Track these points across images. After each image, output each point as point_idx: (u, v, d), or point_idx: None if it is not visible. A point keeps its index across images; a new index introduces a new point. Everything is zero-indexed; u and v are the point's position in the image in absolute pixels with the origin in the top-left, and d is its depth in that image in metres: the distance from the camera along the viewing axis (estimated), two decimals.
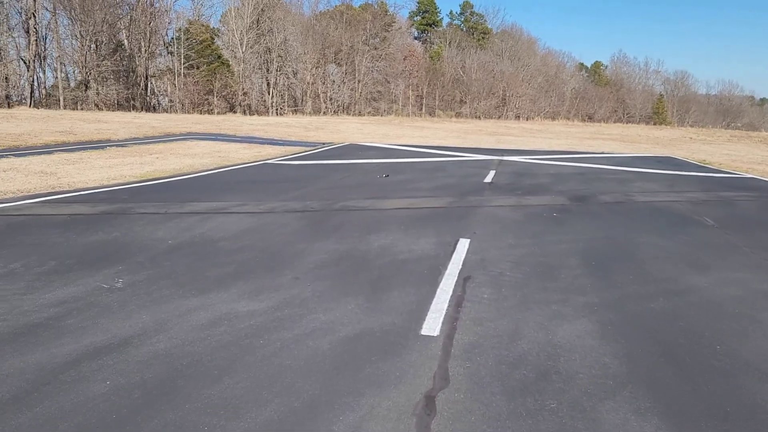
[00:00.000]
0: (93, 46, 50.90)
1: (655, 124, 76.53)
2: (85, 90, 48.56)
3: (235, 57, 54.76)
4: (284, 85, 61.82)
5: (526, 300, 5.38)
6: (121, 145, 19.16)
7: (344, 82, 61.50)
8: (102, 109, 49.21)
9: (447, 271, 6.17)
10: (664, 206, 10.52)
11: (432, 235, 7.72)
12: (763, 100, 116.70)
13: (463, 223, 8.51)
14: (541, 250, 7.16)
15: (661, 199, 11.26)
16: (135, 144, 19.83)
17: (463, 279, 5.95)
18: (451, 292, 5.52)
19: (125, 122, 28.38)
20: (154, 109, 53.74)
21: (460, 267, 6.33)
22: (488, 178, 13.99)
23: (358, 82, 61.89)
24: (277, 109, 58.47)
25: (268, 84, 59.71)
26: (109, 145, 18.95)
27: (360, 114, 58.84)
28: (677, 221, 9.23)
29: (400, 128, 35.24)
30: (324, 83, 60.96)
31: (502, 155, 20.40)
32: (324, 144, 23.20)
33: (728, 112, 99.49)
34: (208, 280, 5.65)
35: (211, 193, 10.55)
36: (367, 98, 63.76)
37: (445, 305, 5.19)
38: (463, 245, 7.22)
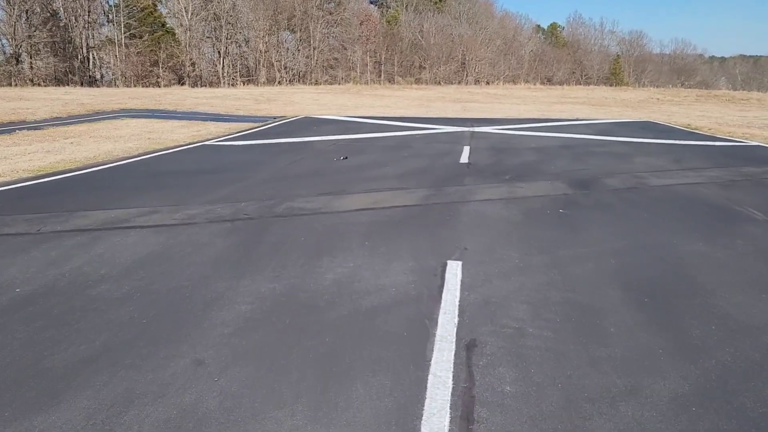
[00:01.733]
0: (24, 15, 46.33)
1: (612, 85, 75.33)
2: (17, 64, 44.21)
3: (181, 25, 50.77)
4: (236, 54, 58.07)
5: (575, 394, 3.21)
6: (36, 128, 16.24)
7: (299, 50, 58.10)
8: (41, 85, 45.02)
9: (438, 332, 3.95)
10: (689, 192, 8.46)
11: (408, 255, 5.47)
12: (712, 57, 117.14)
13: (447, 232, 6.28)
14: (562, 275, 4.99)
15: (679, 182, 9.22)
16: (53, 125, 16.90)
17: (465, 347, 3.75)
18: (451, 385, 3.31)
19: (52, 99, 25.09)
20: (96, 83, 49.64)
21: (456, 320, 4.12)
22: (464, 157, 11.75)
23: (314, 49, 58.56)
24: (229, 80, 54.89)
25: (219, 54, 55.92)
26: (20, 128, 16.02)
27: (317, 83, 55.74)
28: (717, 215, 7.18)
29: (358, 97, 32.63)
30: (278, 51, 57.44)
31: (473, 126, 18.18)
32: (275, 118, 20.58)
33: (682, 70, 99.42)
34: (39, 384, 3.29)
35: (116, 195, 8.03)
36: (323, 66, 60.55)
37: (446, 420, 2.98)
38: (454, 273, 5.00)
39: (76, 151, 12.30)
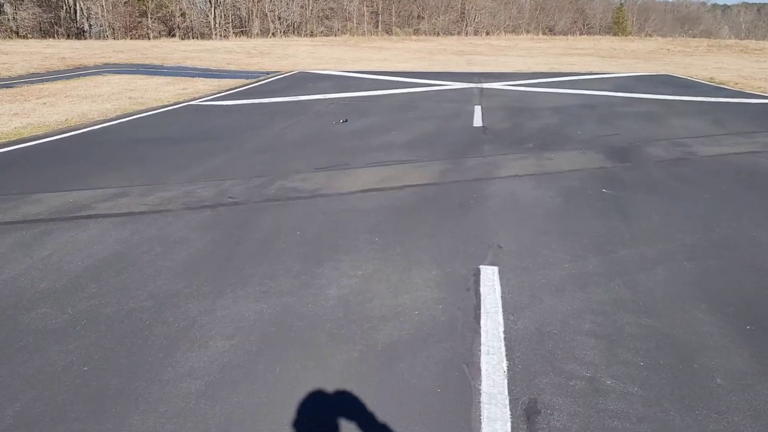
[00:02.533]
0: None
1: (615, 34, 72.88)
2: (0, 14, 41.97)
3: None
4: (229, 3, 55.51)
5: None
6: (8, 85, 14.83)
7: None
8: (26, 37, 42.87)
9: (483, 387, 2.87)
10: (749, 164, 7.29)
11: (430, 258, 4.35)
12: (714, 5, 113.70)
13: (473, 222, 5.14)
14: (630, 289, 3.89)
15: (733, 150, 8.03)
16: (28, 83, 15.47)
17: (525, 415, 2.67)
18: None
19: (31, 53, 23.46)
20: (84, 35, 47.40)
21: (504, 366, 3.04)
22: (477, 119, 10.50)
23: None
24: (221, 32, 52.56)
25: (211, 3, 53.39)
26: None
27: (312, 35, 53.45)
28: None
29: (356, 50, 30.90)
30: (271, 1, 54.87)
31: (480, 81, 16.78)
32: (268, 74, 19.11)
33: (686, 19, 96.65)
34: None
35: (82, 171, 6.84)
36: (318, 16, 58.06)
37: None
38: (491, 285, 3.90)
39: (47, 113, 10.99)
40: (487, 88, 15.22)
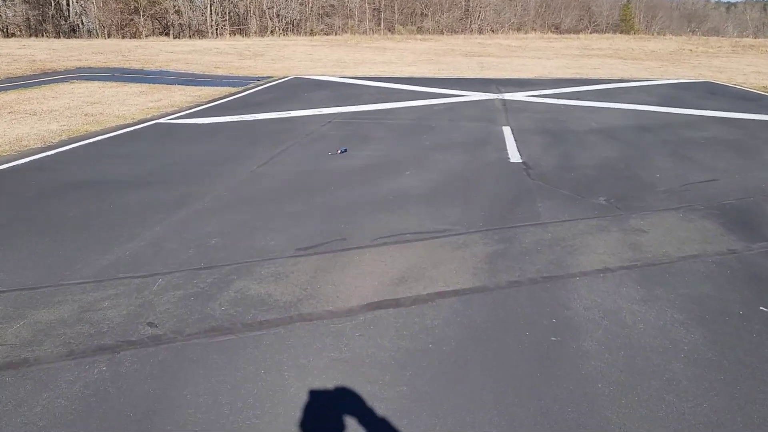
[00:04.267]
0: None
1: (623, 32, 70.34)
2: None
3: None
4: (227, 0, 53.02)
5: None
6: None
7: None
8: (15, 35, 40.53)
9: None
10: None
11: None
12: (718, 2, 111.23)
13: (571, 397, 2.78)
14: None
15: None
16: None
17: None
18: None
19: (0, 54, 21.07)
20: (75, 33, 44.98)
21: None
22: (512, 149, 8.14)
23: None
24: (218, 29, 50.13)
25: (208, 0, 50.90)
26: None
27: (312, 33, 50.99)
28: None
29: (358, 51, 28.47)
30: None
31: (500, 90, 14.40)
32: (259, 80, 16.74)
33: (693, 16, 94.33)
34: None
35: None
36: (318, 14, 55.59)
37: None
38: None
39: None
40: (510, 100, 12.83)
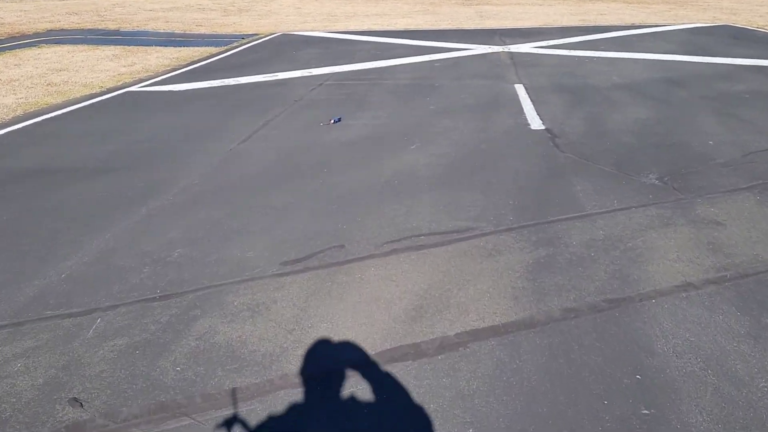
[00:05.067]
0: None
1: None
2: None
3: None
4: None
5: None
6: None
7: None
8: None
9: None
10: None
11: None
12: None
13: None
14: None
15: None
16: None
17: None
18: None
19: None
20: None
21: None
22: (530, 112, 6.99)
23: None
24: None
25: None
26: None
27: None
28: None
29: (349, 3, 26.66)
30: None
31: (505, 42, 13.05)
32: (243, 38, 15.30)
33: None
34: None
35: None
36: None
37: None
38: None
39: None
40: (517, 53, 11.53)
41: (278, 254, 3.66)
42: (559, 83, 8.63)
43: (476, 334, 2.80)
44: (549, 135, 6.01)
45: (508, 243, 3.68)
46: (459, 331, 2.82)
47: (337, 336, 2.82)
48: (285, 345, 2.77)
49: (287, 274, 3.41)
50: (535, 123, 6.48)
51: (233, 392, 2.46)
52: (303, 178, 5.04)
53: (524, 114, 6.91)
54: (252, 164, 5.48)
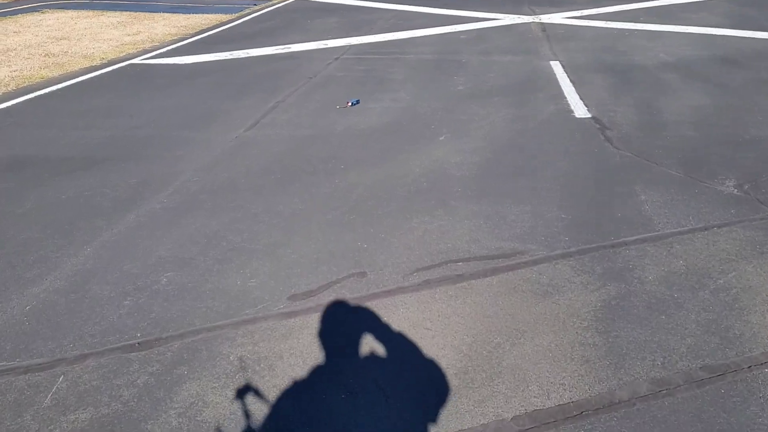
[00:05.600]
0: None
1: None
2: None
3: None
4: None
5: None
6: None
7: None
8: None
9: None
10: None
11: None
12: None
13: None
14: None
15: None
16: None
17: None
18: None
19: None
20: None
21: None
22: (572, 96, 6.18)
23: None
24: None
25: None
26: None
27: None
28: None
29: None
30: None
31: (534, 12, 12.02)
32: (256, 3, 14.38)
33: None
34: None
35: None
36: None
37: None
38: None
39: None
40: (549, 24, 10.57)
41: (286, 283, 2.98)
42: (599, 61, 7.75)
43: (540, 418, 2.11)
44: (597, 126, 5.22)
45: (568, 275, 2.97)
46: (518, 413, 2.14)
47: (358, 415, 2.16)
48: (291, 427, 2.11)
49: (296, 314, 2.74)
50: (580, 110, 5.68)
51: None
52: (315, 177, 4.34)
53: (565, 98, 6.10)
54: (258, 157, 4.78)
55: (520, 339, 2.53)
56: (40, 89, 7.08)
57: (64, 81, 7.48)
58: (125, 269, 3.17)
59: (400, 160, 4.59)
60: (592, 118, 5.44)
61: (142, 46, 9.69)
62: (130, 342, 2.59)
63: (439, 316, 2.70)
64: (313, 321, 2.69)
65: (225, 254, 3.29)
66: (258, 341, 2.57)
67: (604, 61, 7.67)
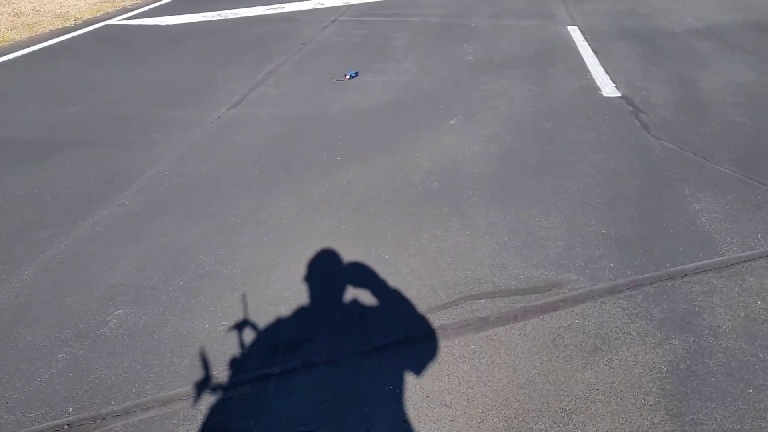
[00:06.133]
0: None
1: None
2: None
3: None
4: None
5: None
6: None
7: None
8: None
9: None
10: None
11: None
12: None
13: None
14: None
15: None
16: None
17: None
18: None
19: None
20: None
21: None
22: (598, 73, 5.42)
23: None
24: None
25: None
26: None
27: None
28: None
29: None
30: None
31: None
32: None
33: None
34: None
35: None
36: None
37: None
38: None
39: None
40: None
41: (266, 331, 2.32)
42: (621, 26, 6.91)
43: None
44: (630, 108, 4.47)
45: (619, 321, 2.31)
46: None
47: None
48: None
49: (276, 377, 2.09)
50: (607, 87, 4.91)
51: None
52: (308, 171, 3.63)
53: (589, 71, 5.33)
54: (242, 143, 4.06)
55: (568, 425, 1.88)
56: (2, 55, 6.26)
57: (32, 45, 6.65)
58: (66, 303, 2.51)
59: (405, 150, 3.87)
60: (623, 97, 4.69)
61: (122, 3, 8.78)
62: (57, 421, 1.94)
63: (459, 384, 2.05)
64: (298, 386, 2.04)
65: (193, 282, 2.62)
66: (227, 420, 1.93)
67: (626, 27, 6.83)
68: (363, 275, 2.64)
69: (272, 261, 2.75)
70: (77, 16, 7.97)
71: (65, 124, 4.45)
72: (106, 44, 6.73)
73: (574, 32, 6.67)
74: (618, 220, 2.99)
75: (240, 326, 2.33)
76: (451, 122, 4.31)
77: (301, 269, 2.69)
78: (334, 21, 7.53)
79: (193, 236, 2.98)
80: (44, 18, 7.84)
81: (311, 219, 3.10)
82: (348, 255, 2.78)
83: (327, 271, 2.69)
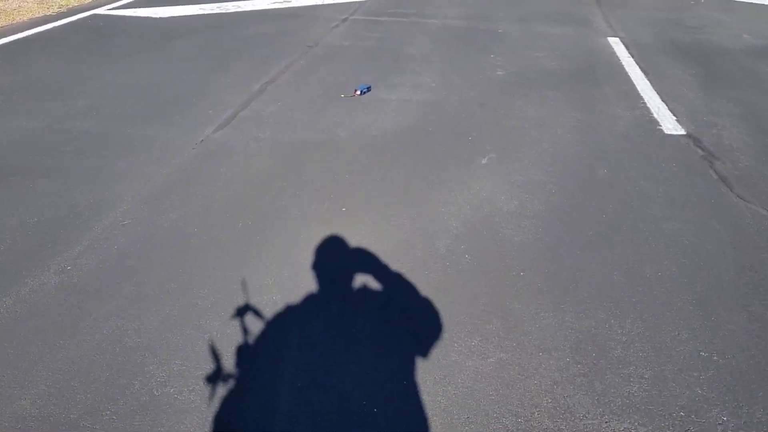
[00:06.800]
0: None
1: None
2: None
3: None
4: None
5: None
6: None
7: None
8: None
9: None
10: None
11: None
12: None
13: None
14: None
15: None
16: None
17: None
18: None
19: None
20: None
21: None
22: (653, 101, 4.55)
23: None
24: None
25: None
26: None
27: None
28: None
29: None
30: None
31: None
32: None
33: None
34: None
35: None
36: None
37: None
38: None
39: None
40: None
41: None
42: (669, 39, 6.03)
43: None
44: (700, 151, 3.62)
45: None
46: None
47: None
48: None
49: None
50: (667, 121, 4.05)
51: None
52: (303, 228, 2.80)
53: (641, 98, 4.47)
54: (225, 181, 3.23)
55: None
56: None
57: (4, 37, 5.80)
58: None
59: (427, 200, 3.04)
60: (688, 136, 3.83)
61: None
62: None
63: None
64: None
65: (132, 417, 1.80)
66: None
67: (675, 41, 5.94)
68: (376, 416, 1.82)
69: (250, 379, 1.93)
70: (61, 3, 7.11)
71: (12, 144, 3.63)
72: (88, 38, 5.89)
73: (617, 45, 5.79)
74: (718, 335, 2.16)
75: None
76: (483, 161, 3.47)
77: (294, 397, 1.87)
78: (344, 20, 6.66)
79: (143, 331, 2.16)
80: (24, 5, 6.99)
81: (307, 310, 2.27)
82: (359, 391, 1.96)
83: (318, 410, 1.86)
